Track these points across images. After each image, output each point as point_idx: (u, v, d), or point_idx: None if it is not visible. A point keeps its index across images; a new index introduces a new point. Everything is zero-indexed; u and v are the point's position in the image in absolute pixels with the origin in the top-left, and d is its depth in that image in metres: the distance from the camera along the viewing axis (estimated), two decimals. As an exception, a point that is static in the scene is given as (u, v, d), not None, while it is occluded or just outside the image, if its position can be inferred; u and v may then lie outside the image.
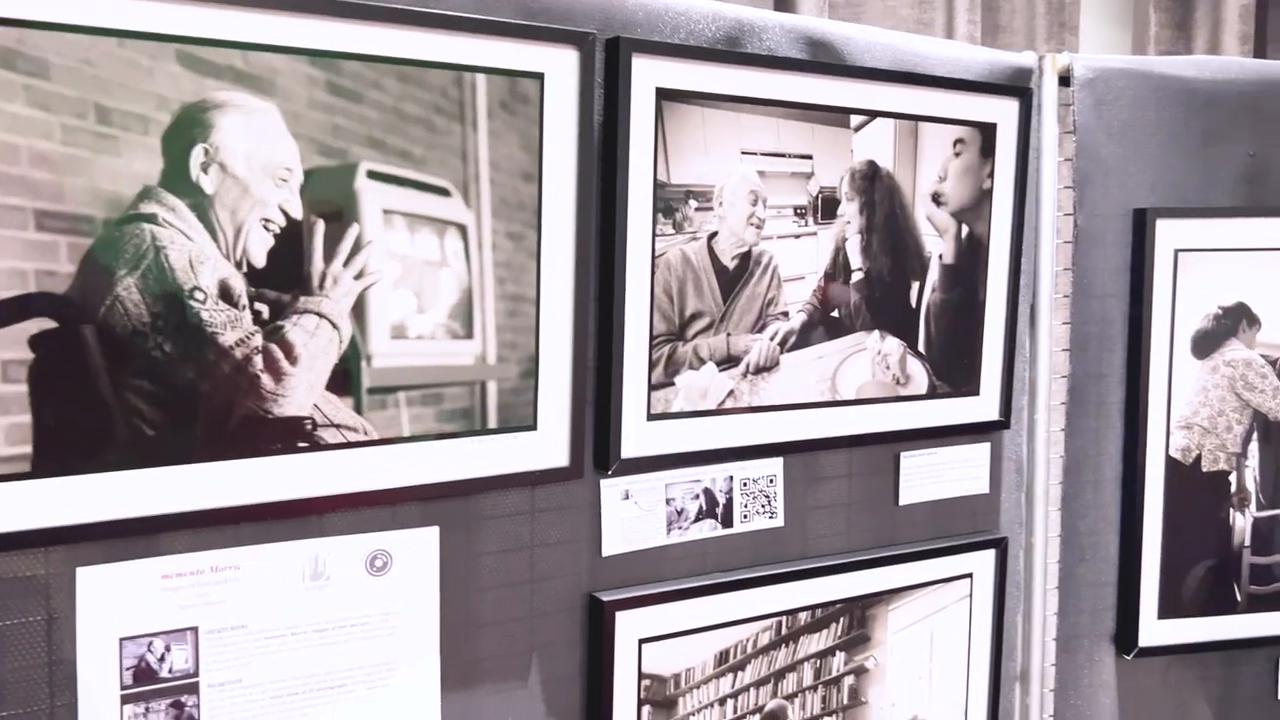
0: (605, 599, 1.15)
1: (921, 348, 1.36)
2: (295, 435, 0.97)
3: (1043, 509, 1.50)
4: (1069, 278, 1.48)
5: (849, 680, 1.33)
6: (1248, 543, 1.54)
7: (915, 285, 1.35)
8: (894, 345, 1.34)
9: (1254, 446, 1.53)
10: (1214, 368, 1.50)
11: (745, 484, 1.27)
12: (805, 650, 1.29)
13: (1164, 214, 1.46)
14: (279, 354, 0.95)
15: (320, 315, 0.96)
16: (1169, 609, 1.52)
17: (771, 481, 1.29)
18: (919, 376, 1.37)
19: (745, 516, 1.27)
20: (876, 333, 1.33)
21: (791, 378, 1.26)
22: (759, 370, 1.24)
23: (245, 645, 0.97)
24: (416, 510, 1.06)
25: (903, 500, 1.40)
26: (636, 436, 1.16)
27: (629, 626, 1.16)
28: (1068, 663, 1.53)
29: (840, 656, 1.32)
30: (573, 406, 1.12)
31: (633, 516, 1.19)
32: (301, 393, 0.96)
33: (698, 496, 1.24)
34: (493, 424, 1.07)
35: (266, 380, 0.94)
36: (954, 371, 1.40)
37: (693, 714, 1.22)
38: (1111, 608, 1.54)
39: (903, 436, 1.38)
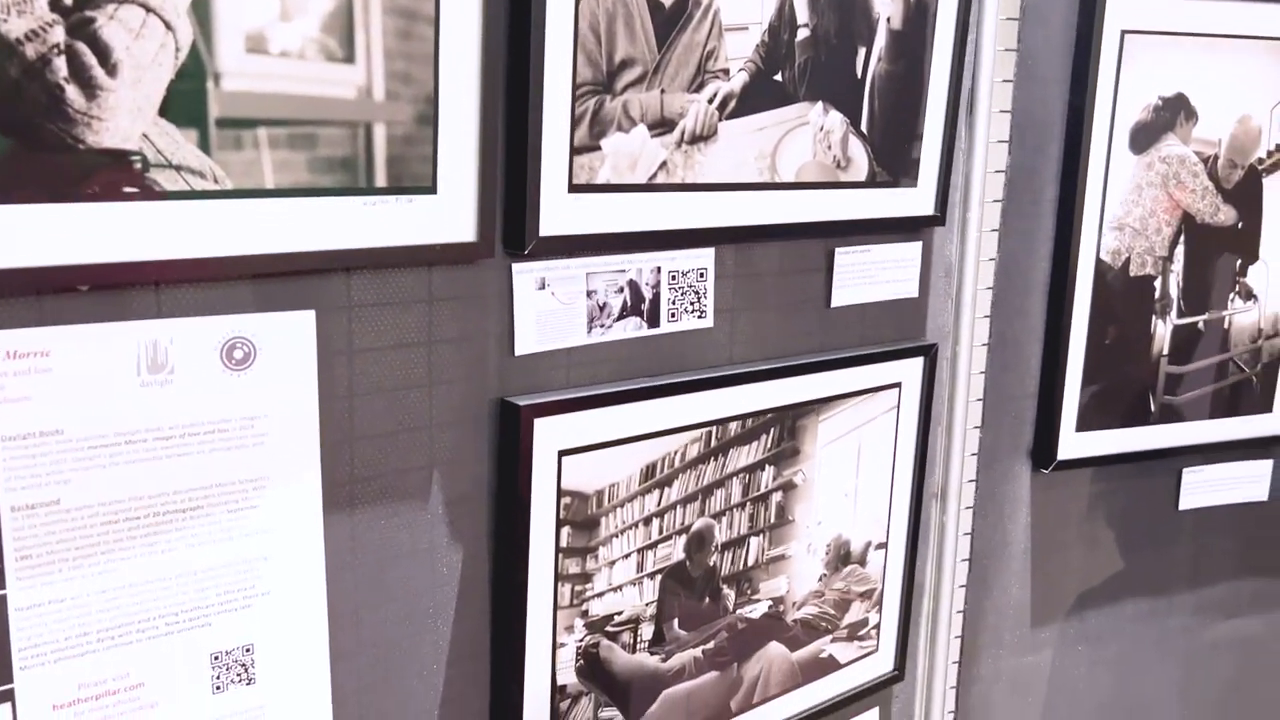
0: (521, 404, 0.96)
1: (864, 126, 1.20)
2: (119, 176, 0.71)
3: (970, 315, 1.39)
4: (1011, 60, 1.33)
5: (777, 497, 1.20)
6: (1165, 351, 1.49)
7: (862, 52, 1.17)
8: (837, 121, 1.17)
9: (1180, 250, 1.45)
10: (1149, 164, 1.41)
11: (674, 277, 1.09)
12: (734, 464, 1.15)
13: (1115, -11, 1.33)
14: (90, 59, 0.68)
15: (147, 8, 0.70)
16: (1087, 421, 1.46)
17: (702, 276, 1.11)
18: (860, 160, 1.21)
19: (673, 315, 1.09)
20: (820, 104, 1.15)
21: (730, 151, 1.07)
22: (695, 139, 1.05)
23: (62, 457, 0.73)
24: (285, 289, 0.82)
25: (835, 301, 1.25)
26: (556, 211, 0.95)
27: (547, 436, 0.98)
28: (985, 479, 1.46)
29: (769, 471, 1.18)
30: (481, 167, 0.90)
31: (550, 310, 0.99)
32: (125, 117, 0.70)
33: (622, 290, 1.05)
34: (381, 181, 0.84)
35: (74, 95, 0.68)
36: (894, 158, 1.24)
37: (615, 535, 1.06)
38: (1031, 421, 1.47)
39: (839, 229, 1.22)
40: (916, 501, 1.38)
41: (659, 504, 1.09)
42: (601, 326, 1.03)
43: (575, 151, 0.95)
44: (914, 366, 1.33)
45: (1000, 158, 1.36)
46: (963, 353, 1.40)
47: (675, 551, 1.11)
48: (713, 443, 1.12)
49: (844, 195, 1.21)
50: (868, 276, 1.28)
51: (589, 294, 1.02)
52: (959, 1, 1.25)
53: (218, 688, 0.82)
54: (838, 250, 1.24)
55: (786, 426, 1.19)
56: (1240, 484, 1.60)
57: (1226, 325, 1.51)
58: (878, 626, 1.37)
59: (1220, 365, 1.52)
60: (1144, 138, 1.40)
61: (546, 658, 1.03)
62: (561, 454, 0.99)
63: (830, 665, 1.32)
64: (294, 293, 0.83)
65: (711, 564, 1.15)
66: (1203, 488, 1.58)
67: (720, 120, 1.06)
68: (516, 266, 0.96)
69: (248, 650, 0.83)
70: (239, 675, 0.83)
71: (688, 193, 1.06)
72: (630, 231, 1.02)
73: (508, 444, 0.96)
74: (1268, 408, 1.57)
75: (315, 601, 0.87)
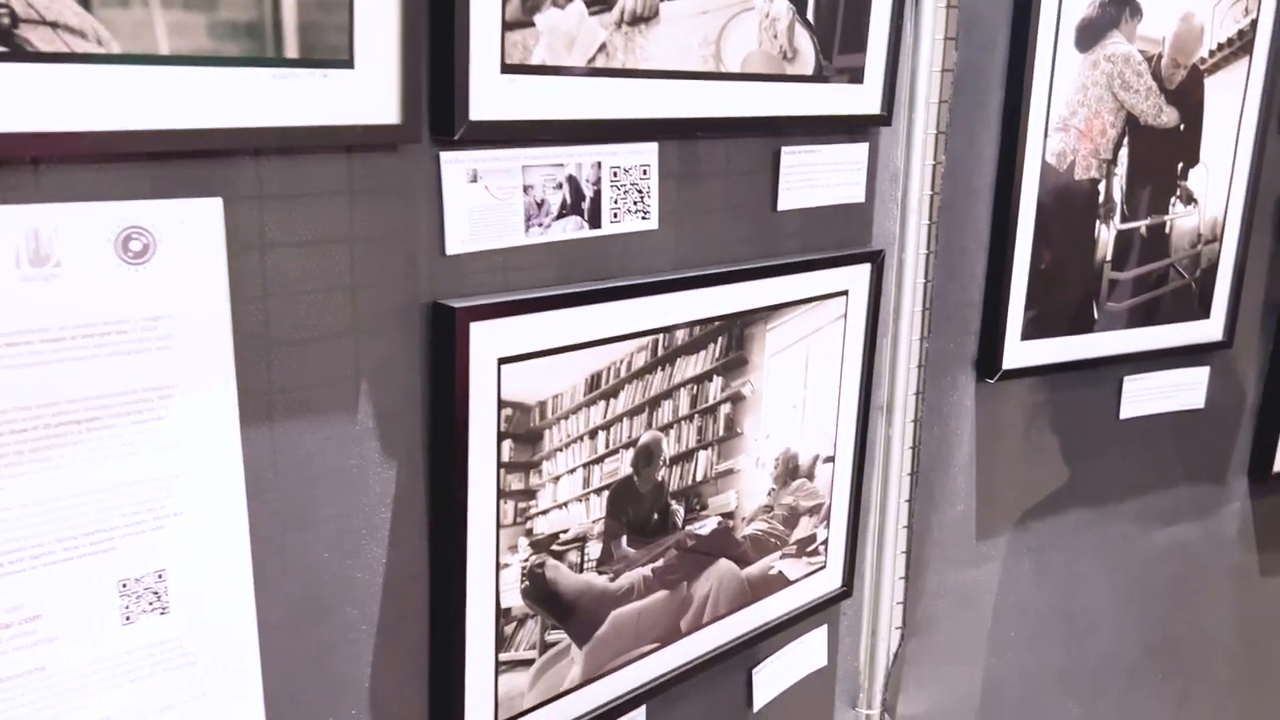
0: (456, 306, 0.88)
1: (811, 15, 1.13)
2: (-20, 31, 0.61)
3: (916, 221, 1.34)
4: (958, -50, 1.28)
5: (725, 409, 1.15)
6: (1109, 257, 1.47)
7: (807, -66, 1.11)
8: (783, 8, 1.10)
9: (1124, 153, 1.43)
10: (1094, 63, 1.37)
11: (616, 174, 1.01)
12: (682, 374, 1.09)
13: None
14: (-63, -114, 0.58)
15: None
16: (1032, 329, 1.44)
17: (645, 173, 1.04)
18: (806, 52, 1.14)
19: (616, 216, 1.02)
20: (765, -11, 1.08)
21: (672, 34, 1.00)
22: (635, 20, 0.97)
23: (-71, 360, 0.63)
24: (187, 173, 0.73)
25: (781, 205, 1.19)
26: (487, 92, 0.87)
27: (486, 342, 0.90)
28: (931, 390, 1.42)
29: (718, 382, 1.13)
30: (404, 39, 0.81)
31: (483, 205, 0.91)
32: (-16, -40, 0.60)
33: (560, 186, 0.97)
34: (291, 51, 0.75)
35: (-81, -70, 0.58)
36: (840, 52, 1.18)
37: (560, 449, 0.99)
38: (976, 331, 1.44)
39: (786, 126, 1.16)
40: (864, 413, 1.34)
41: (605, 416, 1.02)
42: (540, 225, 0.96)
43: (507, 27, 0.87)
44: (861, 274, 1.28)
45: (948, 56, 1.31)
46: (909, 260, 1.35)
47: (622, 466, 1.05)
48: (659, 351, 1.06)
49: (791, 90, 1.14)
50: (814, 179, 1.22)
51: (526, 189, 0.94)
52: (906, -116, 1.18)
53: (127, 618, 0.74)
54: (784, 150, 1.18)
55: (734, 335, 1.14)
56: (1179, 391, 1.61)
57: (1168, 230, 1.50)
58: (825, 542, 1.34)
59: (1161, 271, 1.51)
60: (1090, 35, 1.36)
61: (490, 580, 0.96)
62: (501, 362, 0.92)
63: (779, 582, 1.28)
64: (197, 178, 0.74)
65: (660, 479, 1.10)
66: (1143, 396, 1.58)
67: (661, 1, 0.99)
68: (445, 155, 0.87)
69: (160, 576, 0.75)
70: (151, 604, 0.75)
71: (629, 79, 0.98)
72: (569, 119, 0.94)
73: (442, 351, 0.89)
74: (1205, 314, 1.57)
75: (234, 523, 0.79)
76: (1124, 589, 1.66)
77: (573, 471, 1.01)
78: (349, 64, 0.78)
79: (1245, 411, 1.68)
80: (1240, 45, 1.47)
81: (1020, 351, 1.44)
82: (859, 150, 1.27)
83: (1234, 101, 1.49)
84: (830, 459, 1.31)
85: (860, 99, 1.23)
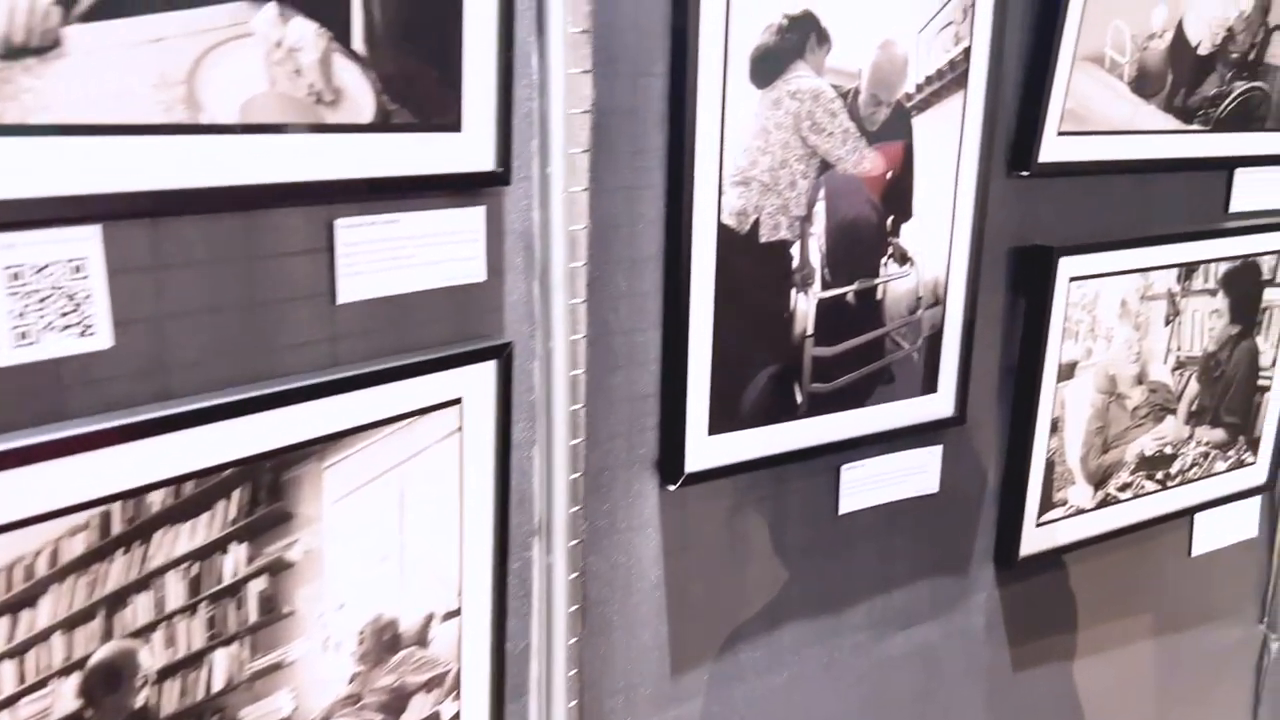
0: None
1: (359, 43, 0.83)
2: None
3: (563, 300, 1.06)
4: (590, -40, 1.01)
5: (258, 585, 0.83)
6: (810, 331, 1.22)
7: (339, -68, 0.81)
8: (308, 34, 0.80)
9: (820, 208, 1.19)
10: (776, 101, 1.13)
11: (21, 276, 0.69)
12: (166, 553, 0.77)
13: None
14: None
15: None
16: (722, 422, 1.18)
17: (79, 270, 0.72)
18: (357, 93, 0.84)
19: (26, 336, 0.70)
20: (271, 7, 0.77)
21: (96, 72, 0.68)
22: (19, 53, 0.65)
23: None
24: None
25: (343, 296, 0.89)
26: None
27: None
28: (600, 504, 1.15)
29: (238, 552, 0.81)
30: None
31: None
32: None
33: (-98, 300, 0.64)
34: None
35: None
36: (419, 89, 0.89)
37: (-78, 704, 0.65)
38: (654, 427, 1.17)
39: (337, 192, 0.85)
40: (501, 546, 1.05)
41: (10, 639, 0.69)
42: None
43: None
44: (482, 374, 0.99)
45: (585, 92, 1.03)
46: (558, 349, 1.07)
47: (61, 703, 0.72)
48: (118, 527, 0.73)
49: (338, 143, 0.84)
50: (399, 258, 0.92)
51: None
52: (500, -128, 0.90)
53: None
54: (340, 224, 0.87)
55: (264, 484, 0.82)
56: (908, 476, 1.39)
57: (880, 295, 1.27)
58: (456, 717, 1.04)
59: (875, 343, 1.28)
60: (769, 67, 1.11)
61: None
62: None
63: (386, 785, 0.97)
64: None
65: (143, 705, 0.77)
66: (865, 485, 1.35)
67: (66, 23, 0.67)
68: None
69: None
70: None
71: (23, 138, 0.66)
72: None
73: None
74: (932, 388, 1.35)
75: None
76: (860, 708, 1.42)
77: (-39, 726, 0.67)
78: None
79: (986, 492, 1.48)
80: (953, 77, 1.25)
81: (708, 449, 1.18)
82: (470, 217, 0.98)
83: (949, 142, 1.27)
84: (453, 614, 1.01)
85: (460, 151, 0.94)
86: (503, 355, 1.01)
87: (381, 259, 0.91)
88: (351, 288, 0.89)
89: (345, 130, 0.84)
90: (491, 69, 0.94)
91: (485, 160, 0.96)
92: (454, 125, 0.93)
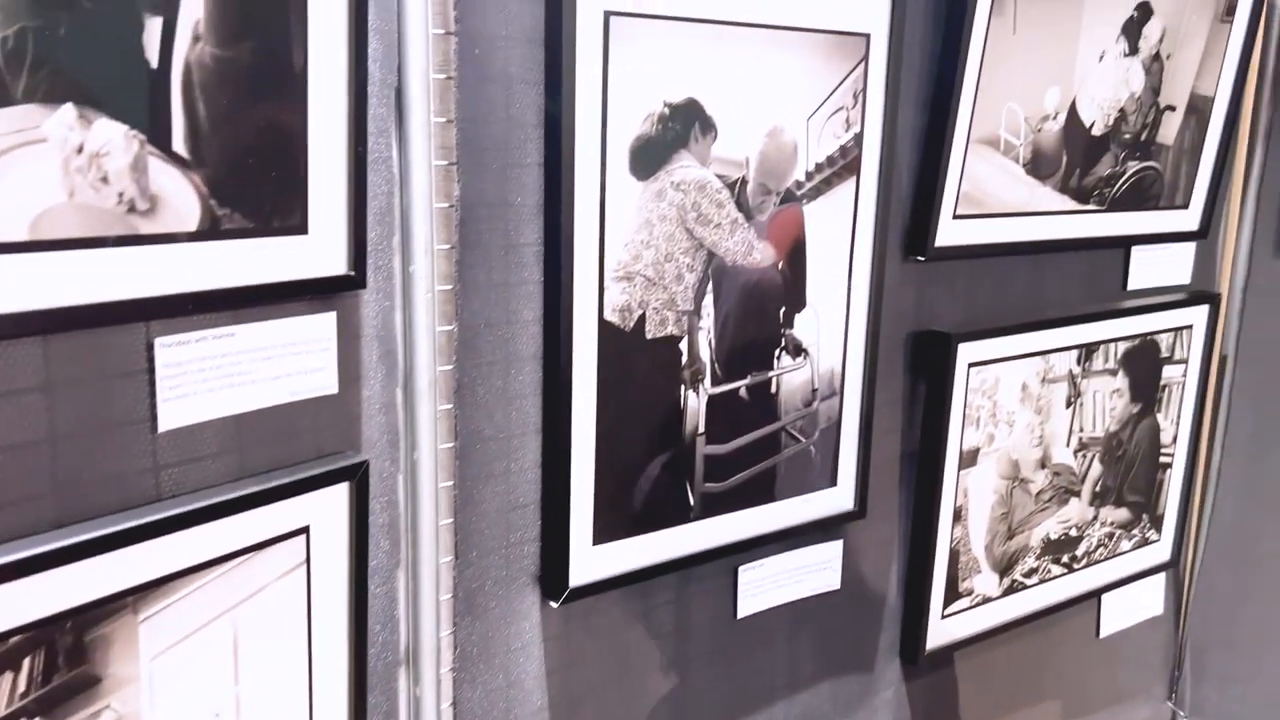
0: None
1: (180, 143, 0.74)
2: None
3: (429, 409, 0.97)
4: (453, 46, 0.93)
5: (58, 763, 0.72)
6: (702, 429, 1.16)
7: (153, 26, 0.72)
8: (115, 136, 0.71)
9: (708, 301, 1.13)
10: (660, 192, 1.06)
11: None
12: (-63, 740, 0.66)
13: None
14: None
15: None
16: (608, 530, 1.10)
17: None
18: (178, 199, 0.75)
19: None
20: (69, 109, 0.68)
21: None
22: None
23: None
24: None
25: (165, 423, 0.79)
26: None
27: None
28: (474, 627, 1.06)
29: (33, 727, 0.70)
30: None
31: None
32: None
33: None
34: None
35: None
36: (255, 191, 0.80)
37: None
38: (534, 539, 1.08)
39: (153, 309, 0.76)
40: (357, 681, 0.95)
41: None
42: None
43: None
44: (333, 498, 0.90)
45: (450, 185, 0.96)
46: (423, 460, 0.98)
47: None
48: None
49: (156, 255, 0.75)
50: (233, 374, 0.83)
51: None
52: (348, -45, 0.83)
53: None
54: (159, 343, 0.78)
55: (63, 646, 0.71)
56: (809, 574, 1.32)
57: (774, 389, 1.21)
58: None
59: (770, 438, 1.22)
60: (651, 158, 1.05)
61: None
62: None
63: None
64: None
65: None
66: (764, 586, 1.28)
67: None
68: None
69: None
70: None
71: None
72: None
73: None
74: (831, 481, 1.29)
75: None
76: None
77: None
78: None
79: (890, 585, 1.42)
80: (844, 163, 1.21)
81: (594, 560, 1.10)
82: (319, 324, 0.89)
83: (843, 229, 1.23)
84: (303, 764, 0.91)
85: (306, 255, 0.85)
86: (357, 475, 0.91)
87: (213, 377, 0.81)
88: (175, 412, 0.79)
89: (164, 240, 0.75)
90: (341, 164, 0.86)
91: (336, 263, 0.88)
92: (298, 227, 0.84)
